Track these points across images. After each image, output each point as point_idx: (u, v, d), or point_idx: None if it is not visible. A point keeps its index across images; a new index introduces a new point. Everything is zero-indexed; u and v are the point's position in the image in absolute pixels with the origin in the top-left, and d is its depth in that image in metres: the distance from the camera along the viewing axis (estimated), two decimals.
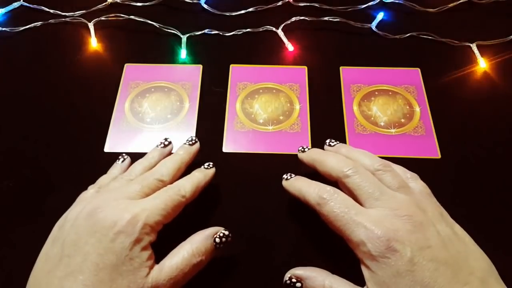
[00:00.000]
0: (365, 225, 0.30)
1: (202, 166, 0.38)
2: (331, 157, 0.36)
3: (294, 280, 0.32)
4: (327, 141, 0.40)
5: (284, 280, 0.33)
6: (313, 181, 0.35)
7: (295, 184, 0.36)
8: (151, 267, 0.31)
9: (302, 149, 0.39)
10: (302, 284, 0.32)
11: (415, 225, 0.30)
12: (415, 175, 0.36)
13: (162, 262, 0.32)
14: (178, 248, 0.33)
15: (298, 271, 0.32)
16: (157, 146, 0.40)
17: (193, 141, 0.40)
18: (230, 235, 0.34)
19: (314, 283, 0.31)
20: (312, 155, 0.38)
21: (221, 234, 0.34)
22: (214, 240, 0.33)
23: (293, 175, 0.37)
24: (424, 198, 0.34)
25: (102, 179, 0.38)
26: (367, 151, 0.37)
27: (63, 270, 0.29)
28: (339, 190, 0.33)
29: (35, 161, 0.43)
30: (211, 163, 0.39)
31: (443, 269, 0.29)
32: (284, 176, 0.38)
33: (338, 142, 0.39)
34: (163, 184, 0.35)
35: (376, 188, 0.32)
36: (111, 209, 0.31)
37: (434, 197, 0.35)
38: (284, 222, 0.39)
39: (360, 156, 0.36)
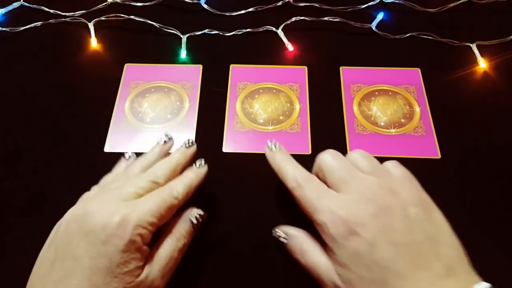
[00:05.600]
0: (330, 208, 0.31)
1: (194, 165, 0.38)
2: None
3: (280, 234, 0.35)
4: None
5: (273, 232, 0.36)
6: (294, 162, 0.36)
7: (277, 159, 0.37)
8: (144, 266, 0.31)
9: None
10: (286, 239, 0.35)
11: (381, 208, 0.31)
12: (396, 161, 0.36)
13: (150, 257, 0.32)
14: (161, 239, 0.33)
15: (286, 228, 0.36)
16: (157, 142, 0.39)
17: (190, 144, 0.39)
18: (204, 214, 0.36)
19: (294, 242, 0.34)
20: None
21: (197, 216, 0.35)
22: (191, 222, 0.35)
23: (277, 145, 0.38)
24: (401, 182, 0.33)
25: (106, 178, 0.38)
26: (366, 151, 0.37)
27: (57, 274, 0.29)
28: (314, 177, 0.34)
29: (35, 161, 0.43)
30: (203, 160, 0.38)
31: (404, 252, 0.29)
32: (268, 143, 0.38)
33: None
34: (157, 186, 0.35)
35: (347, 171, 0.33)
36: (100, 212, 0.31)
37: (419, 183, 0.34)
38: (284, 222, 0.39)
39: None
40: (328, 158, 0.35)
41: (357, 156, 0.35)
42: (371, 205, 0.31)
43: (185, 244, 0.34)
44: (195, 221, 0.35)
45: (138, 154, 0.41)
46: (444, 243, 0.30)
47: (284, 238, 0.35)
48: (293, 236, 0.35)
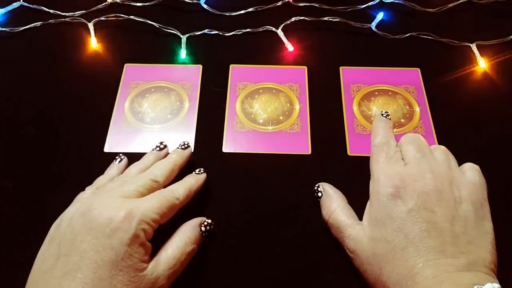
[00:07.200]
0: (390, 170, 0.34)
1: (194, 172, 0.40)
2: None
3: (320, 189, 0.39)
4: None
5: (315, 187, 0.39)
6: (387, 129, 0.38)
7: (375, 121, 0.40)
8: (149, 261, 0.32)
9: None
10: (322, 195, 0.38)
11: (434, 190, 0.32)
12: (477, 167, 0.36)
13: (157, 255, 0.33)
14: (170, 240, 0.34)
15: (325, 186, 0.39)
16: (152, 149, 0.41)
17: (186, 146, 0.41)
18: (212, 223, 0.37)
19: (327, 201, 0.37)
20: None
21: (206, 223, 0.37)
22: (200, 229, 0.36)
23: (389, 116, 0.40)
24: (469, 183, 0.34)
25: (100, 180, 0.39)
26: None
27: (61, 269, 0.29)
28: (394, 145, 0.37)
29: (35, 161, 0.43)
30: (202, 169, 0.40)
31: (434, 235, 0.29)
32: (383, 111, 0.41)
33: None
34: (157, 184, 0.36)
35: (421, 153, 0.35)
36: (106, 207, 0.32)
37: (486, 194, 0.34)
38: (284, 221, 0.39)
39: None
40: (410, 136, 0.37)
41: (440, 150, 0.36)
42: (427, 185, 0.32)
43: (193, 249, 0.35)
44: (203, 229, 0.36)
45: (137, 154, 0.41)
46: (479, 245, 0.30)
47: (320, 192, 0.38)
48: (327, 194, 0.38)
